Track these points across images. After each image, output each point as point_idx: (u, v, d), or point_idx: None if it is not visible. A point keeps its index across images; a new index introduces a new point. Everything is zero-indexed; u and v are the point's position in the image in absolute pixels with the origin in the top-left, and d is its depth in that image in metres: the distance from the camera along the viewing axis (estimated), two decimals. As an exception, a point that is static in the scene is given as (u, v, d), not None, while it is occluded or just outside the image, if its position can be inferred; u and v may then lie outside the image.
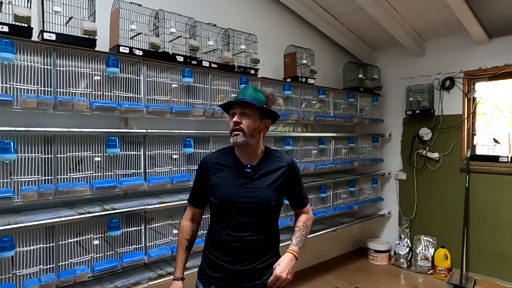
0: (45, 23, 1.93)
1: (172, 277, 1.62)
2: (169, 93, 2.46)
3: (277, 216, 1.62)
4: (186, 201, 1.71)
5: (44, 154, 1.97)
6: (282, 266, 1.50)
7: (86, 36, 2.03)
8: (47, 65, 1.96)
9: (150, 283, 2.13)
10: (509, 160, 3.54)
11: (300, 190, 1.66)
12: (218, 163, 1.57)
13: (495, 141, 3.74)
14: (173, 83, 2.44)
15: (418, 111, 4.08)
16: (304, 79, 3.32)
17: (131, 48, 2.23)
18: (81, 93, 2.07)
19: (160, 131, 2.37)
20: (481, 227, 3.72)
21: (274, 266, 1.52)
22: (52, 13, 1.95)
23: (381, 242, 4.47)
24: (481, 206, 3.71)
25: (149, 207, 2.20)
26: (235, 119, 1.50)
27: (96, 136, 2.15)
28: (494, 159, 3.64)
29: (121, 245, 2.17)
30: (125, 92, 2.24)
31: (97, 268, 1.99)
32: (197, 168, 1.68)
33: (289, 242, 1.62)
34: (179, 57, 2.43)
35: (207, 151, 2.63)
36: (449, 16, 3.40)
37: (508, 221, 3.53)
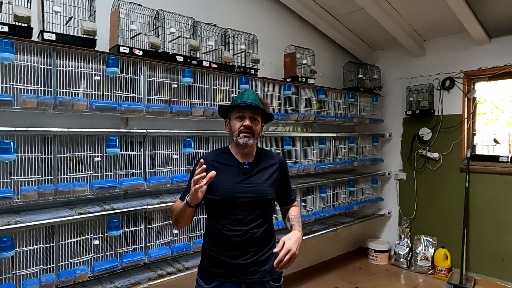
0: (45, 23, 1.93)
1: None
2: (169, 93, 2.46)
3: (272, 210, 1.69)
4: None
5: (44, 154, 1.97)
6: (293, 241, 1.44)
7: (86, 36, 2.03)
8: (47, 65, 1.96)
9: (150, 283, 2.13)
10: (509, 160, 3.54)
11: (289, 186, 1.77)
12: (216, 161, 1.60)
13: (495, 141, 3.74)
14: (173, 83, 2.44)
15: (418, 111, 4.08)
16: (304, 79, 3.32)
17: (131, 48, 2.23)
18: (81, 93, 2.07)
19: (160, 131, 2.37)
20: (481, 227, 3.72)
21: (283, 239, 1.44)
22: (52, 13, 1.94)
23: (381, 242, 4.46)
24: (481, 206, 3.71)
25: (149, 207, 2.20)
26: (247, 123, 1.55)
27: (96, 136, 2.15)
28: (494, 159, 3.64)
29: (121, 245, 2.17)
30: (125, 92, 2.24)
31: (97, 268, 2.00)
32: (193, 167, 1.67)
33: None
34: (179, 57, 2.43)
35: (207, 151, 2.63)
36: (449, 16, 3.40)
37: (508, 221, 3.53)
